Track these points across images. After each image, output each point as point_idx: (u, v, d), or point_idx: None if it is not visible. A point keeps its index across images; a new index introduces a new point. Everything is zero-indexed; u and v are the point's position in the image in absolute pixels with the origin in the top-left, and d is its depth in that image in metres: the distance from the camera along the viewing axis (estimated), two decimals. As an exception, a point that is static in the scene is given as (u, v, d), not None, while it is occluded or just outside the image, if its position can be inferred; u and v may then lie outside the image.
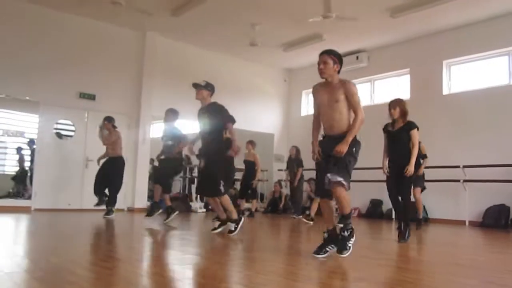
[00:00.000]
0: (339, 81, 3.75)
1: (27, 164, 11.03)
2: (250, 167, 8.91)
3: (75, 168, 9.33)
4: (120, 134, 7.91)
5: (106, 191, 7.80)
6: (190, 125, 11.07)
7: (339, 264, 3.54)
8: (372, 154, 7.98)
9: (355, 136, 3.73)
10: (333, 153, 3.65)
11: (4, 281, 2.55)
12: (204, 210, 10.47)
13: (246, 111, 10.88)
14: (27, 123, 11.34)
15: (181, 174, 10.35)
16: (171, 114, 7.07)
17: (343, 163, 3.65)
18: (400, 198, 5.33)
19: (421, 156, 6.63)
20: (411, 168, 5.15)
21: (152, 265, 3.56)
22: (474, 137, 8.88)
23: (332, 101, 3.71)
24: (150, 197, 10.32)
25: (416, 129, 5.27)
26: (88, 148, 9.42)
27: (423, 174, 7.15)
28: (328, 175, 3.63)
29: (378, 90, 11.17)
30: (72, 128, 9.55)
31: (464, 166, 8.61)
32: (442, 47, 9.68)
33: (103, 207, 7.71)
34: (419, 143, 5.48)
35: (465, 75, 9.58)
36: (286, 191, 11.13)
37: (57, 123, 9.46)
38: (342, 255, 3.62)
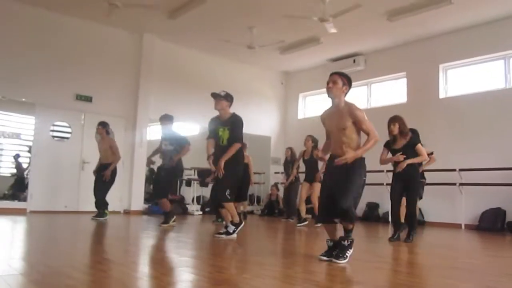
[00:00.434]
0: (345, 104, 3.78)
1: (24, 172, 11.00)
2: (244, 169, 8.90)
3: (72, 170, 9.30)
4: (112, 142, 7.71)
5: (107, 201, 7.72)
6: (187, 127, 11.09)
7: (336, 267, 3.54)
8: (368, 158, 8.00)
9: (363, 160, 3.76)
10: (336, 161, 3.66)
11: (0, 284, 2.54)
12: (201, 212, 10.46)
13: (243, 114, 10.63)
14: (23, 125, 11.31)
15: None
16: (167, 119, 7.00)
17: (352, 191, 3.65)
18: (406, 207, 5.63)
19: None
20: (406, 162, 5.40)
21: (149, 268, 3.56)
22: (470, 140, 8.91)
23: (340, 127, 3.75)
24: (147, 199, 10.33)
25: (420, 144, 5.53)
26: (85, 150, 9.40)
27: (424, 183, 7.12)
28: (340, 202, 3.60)
29: (375, 94, 11.20)
30: (69, 130, 9.52)
31: (460, 170, 8.64)
32: (439, 51, 9.72)
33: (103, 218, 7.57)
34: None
35: (461, 79, 9.63)
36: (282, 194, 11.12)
37: (54, 125, 9.43)
38: (338, 262, 3.62)
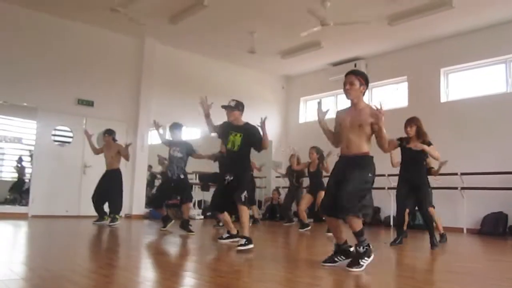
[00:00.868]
0: (366, 105, 3.72)
1: (27, 176, 11.00)
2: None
3: (73, 175, 9.30)
4: (120, 146, 7.82)
5: (106, 206, 7.74)
6: (188, 132, 11.08)
7: (337, 271, 3.53)
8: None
9: (370, 158, 3.69)
10: (341, 169, 3.66)
11: (1, 288, 2.54)
12: (202, 217, 10.45)
13: (244, 118, 10.81)
14: (25, 129, 11.32)
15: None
16: (177, 127, 6.99)
17: (359, 192, 3.58)
18: (420, 214, 5.65)
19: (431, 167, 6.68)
20: (423, 146, 5.32)
21: (150, 272, 3.55)
22: (472, 144, 8.90)
23: (355, 124, 3.66)
24: (148, 204, 10.32)
25: (432, 146, 5.45)
26: (86, 155, 9.39)
27: (431, 191, 7.06)
28: (338, 200, 3.55)
29: (376, 98, 11.20)
30: (70, 134, 9.53)
31: (462, 174, 8.62)
32: (440, 55, 9.73)
33: (104, 222, 7.59)
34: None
35: (462, 83, 9.63)
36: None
37: (55, 130, 9.45)
38: (351, 270, 3.47)
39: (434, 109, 9.65)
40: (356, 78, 3.70)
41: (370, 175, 3.66)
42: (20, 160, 11.42)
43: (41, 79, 8.96)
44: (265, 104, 12.68)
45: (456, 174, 8.64)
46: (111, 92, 9.89)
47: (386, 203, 9.26)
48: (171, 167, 6.83)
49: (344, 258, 3.71)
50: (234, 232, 5.36)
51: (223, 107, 5.37)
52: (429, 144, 5.43)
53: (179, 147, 6.82)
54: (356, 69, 3.86)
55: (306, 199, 7.96)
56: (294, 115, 13.05)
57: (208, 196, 10.35)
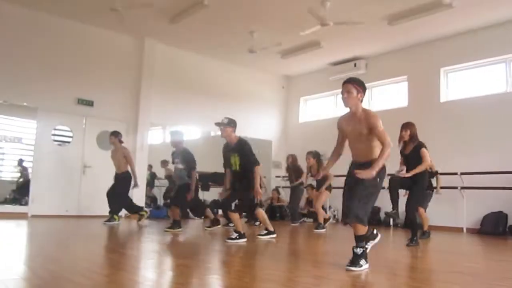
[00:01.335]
0: (363, 111, 3.77)
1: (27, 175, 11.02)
2: None
3: (73, 174, 9.30)
4: (126, 151, 7.93)
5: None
6: (188, 131, 11.08)
7: (337, 271, 3.54)
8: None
9: (382, 167, 3.69)
10: (352, 174, 3.68)
11: (1, 288, 2.54)
12: (202, 217, 10.42)
13: (244, 118, 10.84)
14: (25, 129, 11.33)
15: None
16: (177, 136, 7.04)
17: (364, 194, 3.65)
18: (406, 211, 5.72)
19: (433, 173, 6.74)
20: (410, 173, 5.57)
21: (150, 272, 3.55)
22: (472, 144, 8.91)
23: (356, 133, 3.75)
24: (148, 204, 10.32)
25: (424, 148, 5.69)
26: (86, 155, 9.41)
27: (431, 194, 7.09)
28: (348, 205, 3.65)
29: (376, 98, 11.21)
30: (70, 134, 9.53)
31: (462, 173, 8.63)
32: (440, 54, 9.73)
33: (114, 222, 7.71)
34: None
35: (462, 83, 9.63)
36: (286, 198, 11.09)
37: (55, 129, 9.45)
38: (350, 268, 3.54)
39: (434, 108, 9.65)
40: (353, 87, 3.76)
41: (378, 179, 3.70)
42: (21, 161, 11.43)
43: (41, 79, 8.96)
44: (265, 104, 12.70)
45: (456, 173, 8.65)
46: (111, 92, 9.88)
47: (386, 203, 9.23)
48: (175, 177, 7.14)
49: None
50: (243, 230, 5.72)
51: (216, 124, 5.72)
52: (421, 146, 5.70)
53: (180, 158, 6.94)
54: (352, 77, 3.91)
55: (321, 198, 8.03)
56: (294, 115, 13.05)
57: (207, 196, 10.36)
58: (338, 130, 4.03)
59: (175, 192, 7.18)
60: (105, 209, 7.87)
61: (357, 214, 3.63)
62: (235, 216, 5.58)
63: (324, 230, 7.75)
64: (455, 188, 8.63)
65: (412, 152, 5.74)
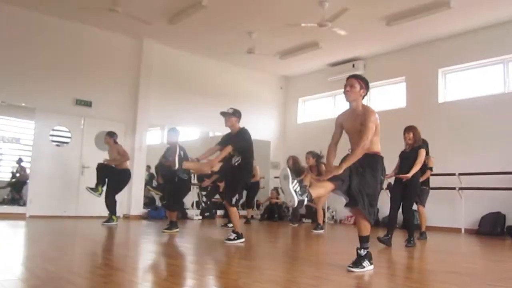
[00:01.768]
0: (363, 107, 3.77)
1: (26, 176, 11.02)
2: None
3: (71, 175, 9.28)
4: (120, 147, 7.90)
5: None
6: (186, 132, 11.09)
7: (336, 272, 3.54)
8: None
9: (378, 159, 3.67)
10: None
11: (-1, 289, 2.54)
12: (201, 217, 10.44)
13: (242, 118, 10.81)
14: (23, 130, 11.32)
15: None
16: (173, 133, 7.04)
17: (369, 189, 3.58)
18: (403, 212, 5.81)
19: (428, 168, 6.77)
20: (407, 175, 5.66)
21: (148, 273, 3.55)
22: (470, 145, 8.92)
23: (355, 129, 3.73)
24: (146, 204, 10.32)
25: (423, 149, 5.83)
26: (84, 155, 9.40)
27: (428, 191, 7.09)
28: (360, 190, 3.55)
29: (374, 98, 11.21)
30: (68, 135, 9.52)
31: (460, 174, 8.64)
32: (438, 55, 9.75)
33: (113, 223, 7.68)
34: (430, 157, 6.39)
35: (460, 83, 9.64)
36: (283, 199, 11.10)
37: (53, 130, 9.44)
38: (350, 269, 3.51)
39: (432, 109, 9.66)
40: (357, 81, 3.78)
41: (381, 177, 3.68)
42: (20, 160, 11.42)
43: (39, 79, 8.94)
44: (264, 104, 12.70)
45: (454, 174, 8.67)
46: (109, 93, 9.87)
47: (384, 203, 9.24)
48: (162, 172, 7.08)
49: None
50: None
51: (222, 113, 5.69)
52: (419, 148, 5.81)
53: (170, 157, 6.91)
54: (357, 74, 3.93)
55: (321, 199, 8.01)
56: (293, 116, 13.05)
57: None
58: (335, 127, 3.96)
59: (167, 196, 7.09)
60: (103, 210, 7.86)
61: (358, 199, 3.52)
62: (233, 210, 5.50)
63: (323, 231, 7.76)
64: (453, 188, 8.64)
65: (411, 151, 5.85)
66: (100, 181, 7.67)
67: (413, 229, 5.79)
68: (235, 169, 5.50)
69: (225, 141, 5.62)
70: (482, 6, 8.11)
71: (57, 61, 9.19)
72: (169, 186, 6.92)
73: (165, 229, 6.72)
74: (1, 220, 7.57)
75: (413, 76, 10.23)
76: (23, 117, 10.76)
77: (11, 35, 8.71)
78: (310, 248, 5.85)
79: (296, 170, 9.07)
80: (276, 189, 11.66)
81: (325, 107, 12.37)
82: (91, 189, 7.57)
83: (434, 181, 8.30)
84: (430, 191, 7.08)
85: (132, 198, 9.89)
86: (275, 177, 12.39)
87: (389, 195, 6.12)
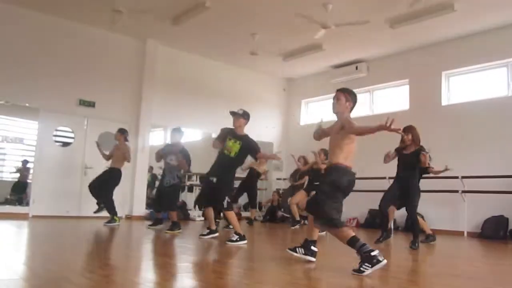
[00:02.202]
0: (345, 118, 3.86)
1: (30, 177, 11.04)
2: (252, 180, 9.12)
3: (74, 175, 9.31)
4: (127, 152, 7.88)
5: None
6: (189, 133, 11.08)
7: (336, 274, 3.53)
8: (371, 164, 8.04)
9: (335, 168, 3.73)
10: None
11: (1, 288, 2.54)
12: (203, 218, 10.43)
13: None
14: (26, 130, 11.36)
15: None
16: (178, 134, 7.07)
17: (318, 201, 3.74)
18: (408, 215, 6.00)
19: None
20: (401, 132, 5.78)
21: (150, 273, 3.55)
22: (473, 148, 8.89)
23: (336, 130, 3.87)
24: (149, 205, 10.32)
25: (425, 154, 5.88)
26: (87, 156, 9.42)
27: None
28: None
29: (377, 101, 11.20)
30: (72, 135, 9.54)
31: (463, 177, 8.60)
32: (441, 58, 9.73)
33: (104, 213, 7.70)
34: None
35: (464, 86, 9.62)
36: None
37: (57, 130, 9.46)
38: (354, 272, 3.47)
39: (435, 112, 9.64)
40: (342, 94, 3.93)
41: (334, 183, 3.70)
42: (25, 162, 11.43)
43: (43, 79, 8.98)
44: (267, 106, 12.70)
45: (457, 177, 8.62)
46: (112, 93, 9.90)
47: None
48: (167, 175, 7.04)
49: (303, 252, 3.99)
50: (214, 228, 5.97)
51: (231, 113, 5.75)
52: (421, 150, 5.88)
53: (175, 156, 6.96)
54: (345, 87, 4.04)
55: (299, 196, 8.28)
56: (295, 117, 13.05)
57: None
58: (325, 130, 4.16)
59: (166, 198, 7.15)
60: (105, 211, 7.86)
61: (317, 214, 3.79)
62: (231, 214, 5.58)
63: (324, 233, 7.73)
64: (456, 191, 8.61)
65: (412, 155, 5.89)
66: (111, 211, 7.63)
67: (418, 232, 5.80)
68: (224, 174, 5.58)
69: (226, 138, 5.63)
70: (486, 9, 8.10)
71: (61, 62, 9.23)
72: (167, 188, 7.03)
73: (168, 230, 6.74)
74: (4, 220, 7.59)
75: (416, 79, 10.22)
76: (27, 117, 10.80)
77: (15, 35, 8.75)
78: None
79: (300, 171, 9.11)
80: (278, 191, 11.66)
81: (328, 109, 12.32)
82: (108, 222, 7.53)
83: (436, 184, 8.33)
84: (433, 194, 7.11)
85: (134, 198, 9.91)
86: (277, 179, 12.41)
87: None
